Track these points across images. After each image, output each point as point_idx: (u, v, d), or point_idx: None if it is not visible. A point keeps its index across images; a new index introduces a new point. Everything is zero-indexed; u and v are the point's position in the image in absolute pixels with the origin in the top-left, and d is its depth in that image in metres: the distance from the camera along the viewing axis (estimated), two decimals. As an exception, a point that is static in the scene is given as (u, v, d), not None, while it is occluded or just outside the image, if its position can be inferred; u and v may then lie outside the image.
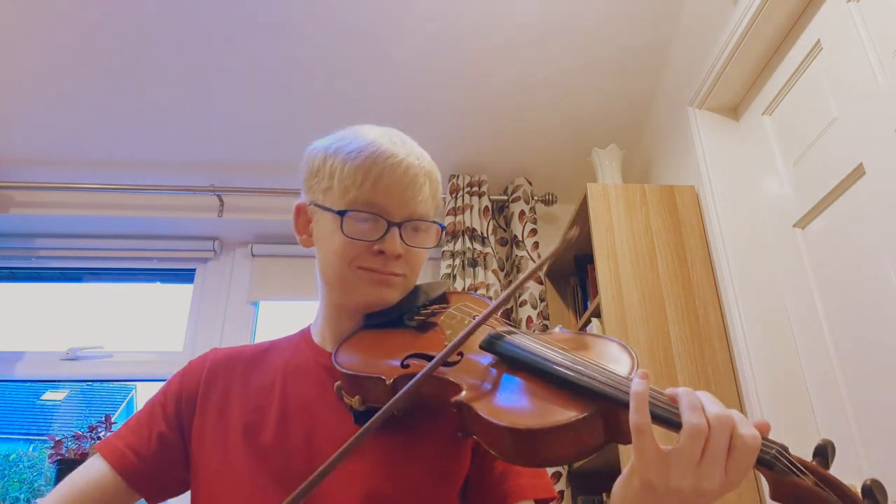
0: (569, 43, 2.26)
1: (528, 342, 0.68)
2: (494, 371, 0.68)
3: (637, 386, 0.55)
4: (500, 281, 2.44)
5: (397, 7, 2.15)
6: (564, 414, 0.57)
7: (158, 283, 2.93)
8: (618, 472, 1.83)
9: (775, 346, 1.73)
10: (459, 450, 0.79)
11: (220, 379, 0.87)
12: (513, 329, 0.74)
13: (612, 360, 0.64)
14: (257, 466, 0.76)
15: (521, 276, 0.74)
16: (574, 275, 2.53)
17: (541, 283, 2.45)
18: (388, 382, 0.71)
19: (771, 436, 0.55)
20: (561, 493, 2.10)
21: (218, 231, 2.74)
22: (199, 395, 0.85)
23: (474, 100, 2.43)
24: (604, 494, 2.05)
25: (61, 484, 0.78)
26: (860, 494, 0.50)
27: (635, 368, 0.61)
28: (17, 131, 2.48)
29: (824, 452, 0.52)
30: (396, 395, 0.62)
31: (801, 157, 1.70)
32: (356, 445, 0.58)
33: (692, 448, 0.52)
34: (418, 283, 0.89)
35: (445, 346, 0.74)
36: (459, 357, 0.71)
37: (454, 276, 2.41)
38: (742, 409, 1.75)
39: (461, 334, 0.67)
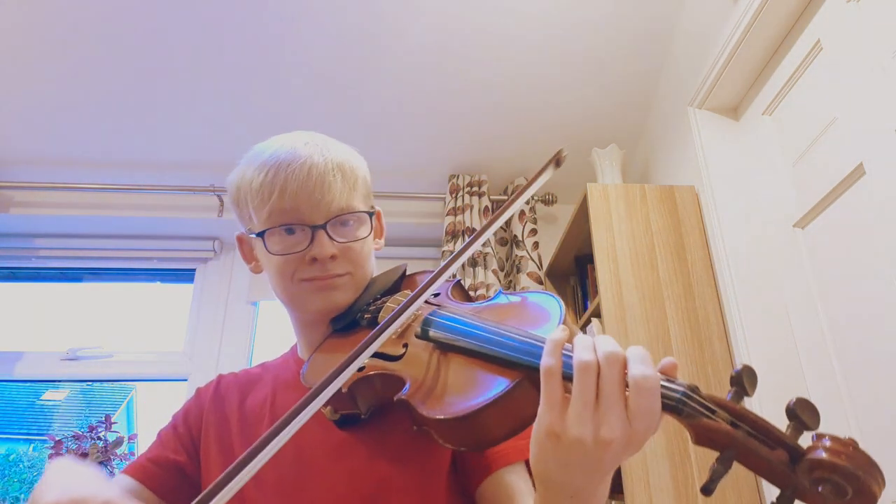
0: (569, 43, 2.26)
1: (455, 322, 0.67)
2: (433, 359, 0.67)
3: (553, 334, 0.53)
4: (500, 281, 2.44)
5: (397, 8, 2.15)
6: (492, 391, 0.56)
7: (158, 283, 2.93)
8: (618, 472, 1.83)
9: (775, 346, 1.73)
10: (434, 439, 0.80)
11: (222, 400, 0.89)
12: (449, 309, 0.72)
13: (539, 318, 0.63)
14: (253, 484, 0.76)
15: (465, 244, 0.72)
16: (574, 275, 2.53)
17: (541, 282, 2.45)
18: (344, 392, 0.70)
19: None
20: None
21: (218, 231, 2.74)
22: (203, 416, 0.88)
23: (474, 100, 2.43)
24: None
25: None
26: (787, 416, 0.46)
27: (557, 322, 0.60)
28: (17, 131, 2.48)
29: (740, 381, 0.47)
30: (318, 384, 0.59)
31: (801, 157, 1.70)
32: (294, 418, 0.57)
33: (583, 386, 0.49)
34: (377, 273, 0.88)
35: (393, 338, 0.74)
36: (404, 349, 0.70)
37: (454, 276, 2.41)
38: (742, 409, 1.75)
39: (375, 332, 0.63)
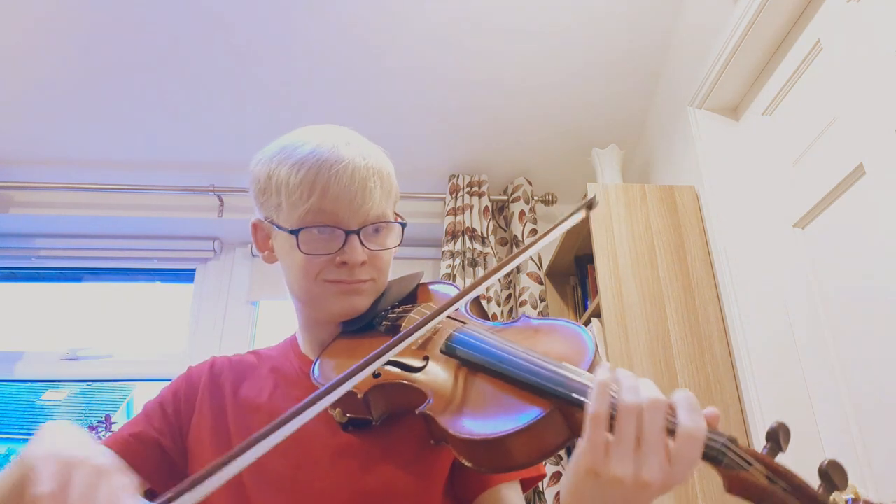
0: (569, 43, 2.26)
1: (485, 343, 0.67)
2: (457, 375, 0.67)
3: (600, 376, 0.53)
4: (500, 281, 2.44)
5: (397, 8, 2.15)
6: (522, 418, 0.56)
7: (158, 283, 2.93)
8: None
9: (775, 346, 1.73)
10: (440, 449, 0.79)
11: (217, 386, 0.86)
12: (473, 327, 0.72)
13: (571, 349, 0.63)
14: (250, 477, 0.75)
15: (488, 271, 0.72)
16: (574, 275, 2.53)
17: (541, 283, 2.45)
18: (359, 397, 0.70)
19: None
20: (559, 493, 2.10)
21: (218, 231, 2.74)
22: (197, 398, 0.85)
23: (474, 100, 2.43)
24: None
25: None
26: (819, 476, 0.48)
27: (590, 357, 0.60)
28: (17, 131, 2.48)
29: (776, 437, 0.50)
30: (324, 386, 0.58)
31: (801, 157, 1.70)
32: (294, 416, 0.56)
33: (627, 428, 0.50)
34: (390, 279, 0.88)
35: (413, 349, 0.74)
36: (425, 362, 0.70)
37: (454, 276, 2.41)
38: (742, 409, 1.75)
39: (399, 336, 0.63)
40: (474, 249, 2.45)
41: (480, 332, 0.70)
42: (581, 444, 0.53)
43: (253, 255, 2.74)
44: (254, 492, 0.75)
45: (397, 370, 0.71)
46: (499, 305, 2.40)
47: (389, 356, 0.61)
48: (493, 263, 2.45)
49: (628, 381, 0.53)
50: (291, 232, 0.78)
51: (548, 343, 0.66)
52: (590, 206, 0.73)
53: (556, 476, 2.12)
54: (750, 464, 0.49)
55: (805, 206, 1.67)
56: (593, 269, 2.01)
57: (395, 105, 2.44)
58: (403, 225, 0.86)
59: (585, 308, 2.36)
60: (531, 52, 2.28)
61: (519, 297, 2.40)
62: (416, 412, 0.64)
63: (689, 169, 2.11)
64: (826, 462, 0.48)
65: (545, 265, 2.54)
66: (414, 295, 0.88)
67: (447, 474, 0.78)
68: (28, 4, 2.09)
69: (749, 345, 1.75)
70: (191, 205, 2.65)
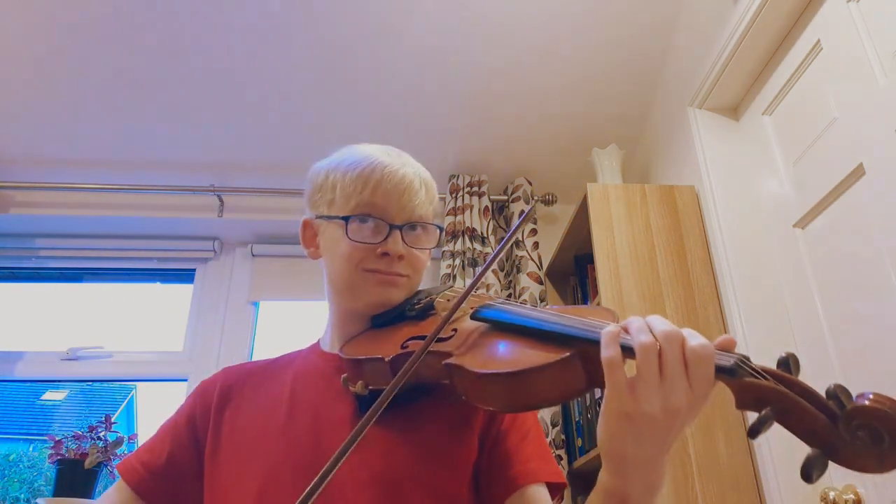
0: (569, 43, 2.26)
1: (515, 308, 0.73)
2: (484, 336, 0.72)
3: (609, 326, 0.58)
4: (500, 281, 2.44)
5: (397, 11, 2.15)
6: (544, 357, 0.61)
7: (158, 283, 2.93)
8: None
9: (775, 347, 1.73)
10: (464, 436, 0.81)
11: (233, 395, 0.90)
12: (506, 301, 0.78)
13: (595, 316, 0.67)
14: (268, 471, 0.78)
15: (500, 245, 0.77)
16: (574, 275, 2.53)
17: (540, 283, 2.46)
18: (386, 360, 0.75)
19: None
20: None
21: (218, 231, 2.74)
22: (212, 412, 0.88)
23: (474, 100, 2.43)
24: (604, 494, 2.05)
25: None
26: (826, 397, 0.50)
27: (617, 320, 0.65)
28: (17, 131, 2.48)
29: (786, 364, 0.53)
30: (400, 372, 0.63)
31: (801, 157, 1.70)
32: (366, 426, 0.59)
33: (648, 365, 0.54)
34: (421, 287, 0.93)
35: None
36: (453, 332, 0.75)
37: (454, 276, 2.42)
38: (742, 409, 1.75)
39: (454, 304, 0.71)
40: (474, 249, 2.45)
41: (511, 303, 0.77)
42: (606, 391, 0.57)
43: (253, 256, 2.74)
44: (271, 484, 0.76)
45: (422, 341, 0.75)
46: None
47: (449, 318, 0.68)
48: (493, 264, 2.45)
49: (637, 324, 0.58)
50: (342, 218, 0.86)
51: (575, 314, 0.70)
52: (533, 220, 0.80)
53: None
54: (760, 374, 0.52)
55: (805, 206, 1.67)
56: (593, 269, 2.01)
57: (396, 105, 2.44)
58: (441, 229, 0.94)
59: (585, 308, 2.36)
60: (531, 52, 2.28)
61: (519, 296, 2.41)
62: (443, 364, 0.68)
63: (689, 169, 2.11)
64: (833, 385, 0.49)
65: (545, 265, 2.54)
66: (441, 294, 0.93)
67: (472, 469, 0.80)
68: (28, 5, 2.09)
69: (749, 345, 1.75)
70: (191, 205, 2.65)
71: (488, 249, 2.48)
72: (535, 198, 2.65)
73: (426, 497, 0.75)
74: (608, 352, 0.56)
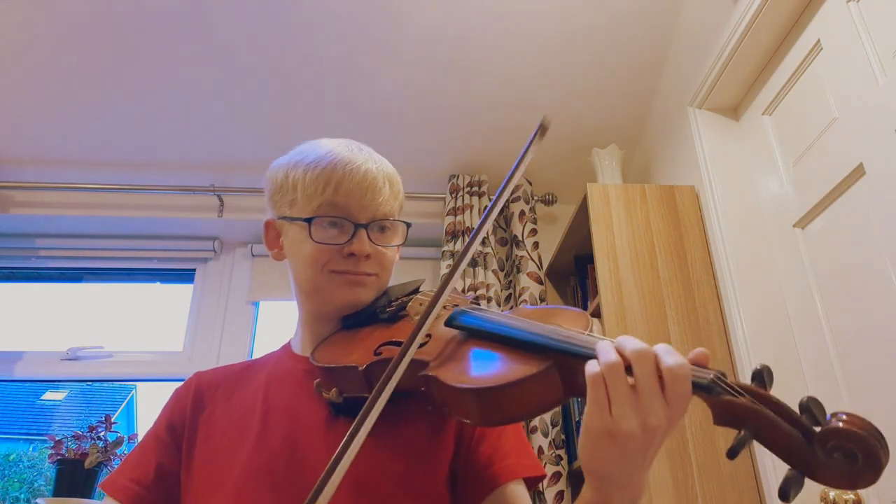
0: (569, 43, 2.26)
1: (489, 315, 0.72)
2: (460, 345, 0.71)
3: (602, 345, 0.58)
4: (500, 281, 2.44)
5: (398, 9, 2.15)
6: (521, 370, 0.60)
7: (158, 283, 2.93)
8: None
9: (775, 346, 1.73)
10: (441, 436, 0.80)
11: (206, 402, 0.88)
12: (478, 306, 0.77)
13: (568, 321, 0.67)
14: (244, 478, 0.76)
15: (478, 225, 0.74)
16: (574, 275, 2.53)
17: (540, 282, 2.46)
18: (360, 369, 0.74)
19: None
20: (561, 493, 2.10)
21: (218, 231, 2.74)
22: (187, 419, 0.86)
23: (474, 100, 2.43)
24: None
25: None
26: (799, 410, 0.51)
27: (590, 326, 0.65)
28: (17, 131, 2.48)
29: (760, 377, 0.53)
30: (382, 378, 0.63)
31: (801, 157, 1.70)
32: (354, 436, 0.59)
33: (616, 384, 0.54)
34: (390, 284, 0.91)
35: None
36: (428, 338, 0.74)
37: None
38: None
39: (427, 308, 0.69)
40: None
41: (483, 309, 0.76)
42: (587, 409, 0.57)
43: (253, 256, 2.74)
44: (248, 491, 0.75)
45: (396, 347, 0.73)
46: (499, 305, 2.40)
47: (427, 322, 0.67)
48: (492, 263, 2.45)
49: (603, 346, 0.57)
50: (306, 220, 0.83)
51: (548, 318, 0.70)
52: (543, 130, 0.76)
53: (556, 476, 2.13)
54: (737, 391, 0.52)
55: (805, 206, 1.67)
56: (593, 269, 2.01)
57: (396, 106, 2.44)
58: (408, 225, 0.91)
59: (585, 308, 2.37)
60: (531, 53, 2.28)
61: (519, 297, 2.41)
62: (419, 375, 0.67)
63: (689, 169, 2.11)
64: (806, 397, 0.51)
65: (545, 265, 2.54)
66: (416, 292, 0.92)
67: (447, 470, 0.79)
68: (28, 5, 2.09)
69: (749, 345, 1.75)
70: (191, 205, 2.65)
71: (488, 249, 2.48)
72: (535, 198, 2.65)
73: (405, 497, 0.75)
74: (592, 368, 0.56)
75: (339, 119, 2.45)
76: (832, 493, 1.44)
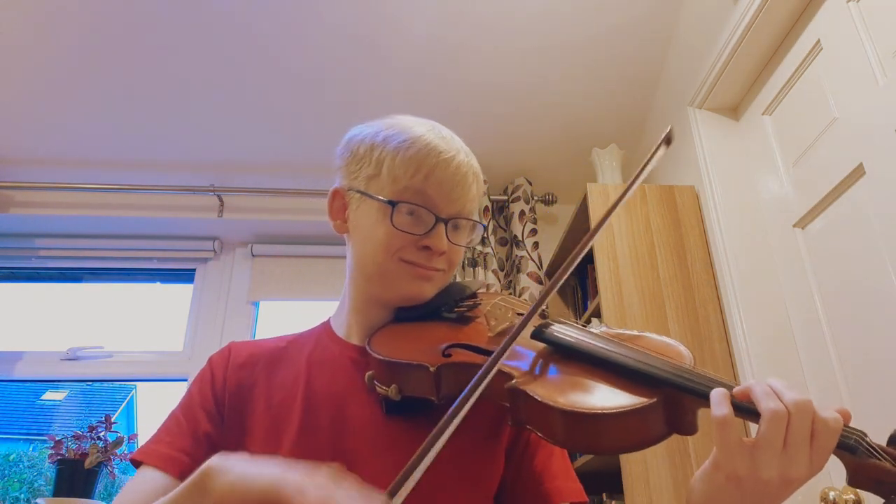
0: (569, 43, 2.26)
1: (580, 332, 0.67)
2: (546, 360, 0.66)
3: (716, 388, 0.55)
4: (500, 281, 2.44)
5: (396, 9, 2.15)
6: (629, 399, 0.56)
7: (158, 283, 2.93)
8: (618, 472, 1.82)
9: (775, 346, 1.73)
10: (494, 451, 0.78)
11: (246, 373, 0.83)
12: (560, 321, 0.72)
13: (669, 353, 0.63)
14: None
15: (595, 227, 0.68)
16: (574, 275, 2.53)
17: (540, 282, 2.45)
18: (431, 370, 0.69)
19: None
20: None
21: (218, 231, 2.74)
22: (228, 389, 0.81)
23: (474, 100, 2.43)
24: (604, 494, 2.05)
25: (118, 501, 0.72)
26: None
27: (693, 360, 0.61)
28: (18, 131, 2.48)
29: None
30: (470, 385, 0.57)
31: (801, 157, 1.70)
32: (447, 426, 0.55)
33: (774, 434, 0.52)
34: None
35: (489, 336, 0.73)
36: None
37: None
38: (742, 409, 1.75)
39: (526, 315, 0.64)
40: (474, 249, 2.45)
41: (573, 324, 0.70)
42: (717, 452, 0.54)
43: (253, 256, 2.74)
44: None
45: (470, 352, 0.70)
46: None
47: (521, 330, 0.62)
48: (492, 263, 2.45)
49: (762, 388, 0.54)
50: (389, 202, 0.78)
51: (641, 342, 0.66)
52: (668, 141, 0.72)
53: None
54: (880, 453, 0.51)
55: (805, 206, 1.67)
56: (593, 269, 2.02)
57: (395, 105, 2.43)
58: (485, 227, 0.87)
59: (585, 308, 2.36)
60: (531, 53, 2.28)
61: (519, 297, 2.40)
62: (505, 387, 0.62)
63: (689, 169, 2.11)
64: None
65: (545, 265, 2.54)
66: (475, 295, 0.87)
67: (496, 486, 0.77)
68: (28, 5, 2.09)
69: (749, 345, 1.75)
70: (191, 205, 2.65)
71: (488, 249, 2.47)
72: (535, 198, 2.65)
73: None
74: (721, 410, 0.53)
75: (340, 119, 2.44)
76: (832, 494, 1.44)
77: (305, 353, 0.85)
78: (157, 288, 2.94)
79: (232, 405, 0.80)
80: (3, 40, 2.19)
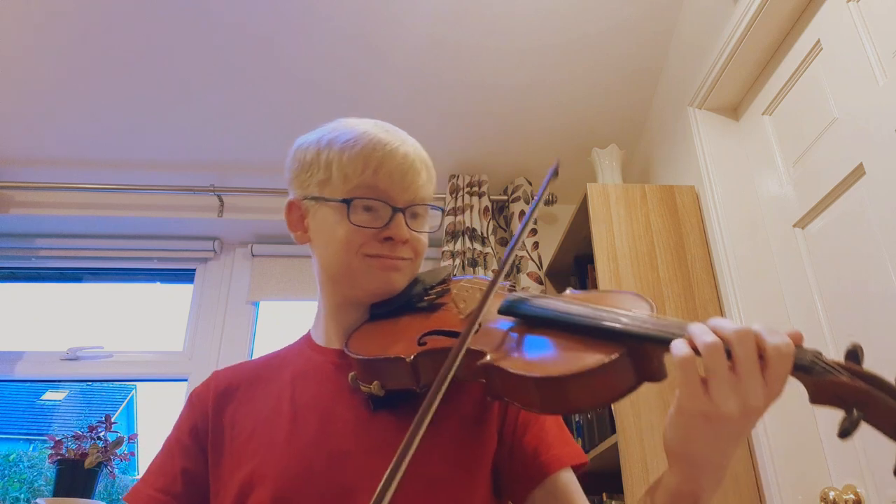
0: (569, 43, 2.26)
1: (548, 301, 0.69)
2: (516, 333, 0.68)
3: (678, 325, 0.56)
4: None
5: (398, 8, 2.15)
6: (594, 357, 0.57)
7: (158, 283, 2.93)
8: (618, 472, 1.82)
9: (775, 346, 1.73)
10: (483, 429, 0.78)
11: (227, 402, 0.84)
12: (530, 293, 0.74)
13: (629, 305, 0.64)
14: (281, 478, 0.74)
15: (520, 226, 0.73)
16: (574, 275, 2.53)
17: (540, 282, 2.46)
18: (408, 361, 0.70)
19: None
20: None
21: (218, 231, 2.74)
22: (209, 421, 0.83)
23: (474, 100, 2.43)
24: (604, 494, 2.05)
25: None
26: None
27: (654, 309, 0.63)
28: (17, 131, 2.48)
29: (855, 355, 0.54)
30: (443, 368, 0.59)
31: (801, 157, 1.70)
32: (426, 413, 0.57)
33: (716, 365, 0.52)
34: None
35: (460, 319, 0.74)
36: (478, 327, 0.70)
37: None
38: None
39: (486, 293, 0.66)
40: (474, 249, 2.45)
41: (537, 295, 0.72)
42: (680, 393, 0.56)
43: (253, 256, 2.74)
44: (286, 491, 0.72)
45: (445, 337, 0.71)
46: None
47: (483, 309, 0.64)
48: (493, 263, 2.45)
49: (698, 327, 0.55)
50: (343, 201, 0.80)
51: (604, 300, 0.67)
52: (556, 173, 0.74)
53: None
54: (836, 369, 0.52)
55: (805, 206, 1.67)
56: (593, 269, 2.01)
57: (395, 106, 2.44)
58: (442, 211, 0.88)
59: (585, 308, 2.36)
60: (531, 53, 2.28)
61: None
62: (478, 364, 0.64)
63: (689, 169, 2.11)
64: None
65: (545, 265, 2.54)
66: (446, 281, 0.88)
67: (490, 468, 0.78)
68: (28, 5, 2.09)
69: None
70: (191, 205, 2.65)
71: (488, 249, 2.48)
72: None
73: (450, 500, 0.73)
74: (682, 350, 0.54)
75: (338, 118, 2.45)
76: (832, 494, 1.44)
77: (289, 367, 0.86)
78: (157, 288, 2.94)
79: (216, 432, 0.81)
80: (2, 40, 2.19)
